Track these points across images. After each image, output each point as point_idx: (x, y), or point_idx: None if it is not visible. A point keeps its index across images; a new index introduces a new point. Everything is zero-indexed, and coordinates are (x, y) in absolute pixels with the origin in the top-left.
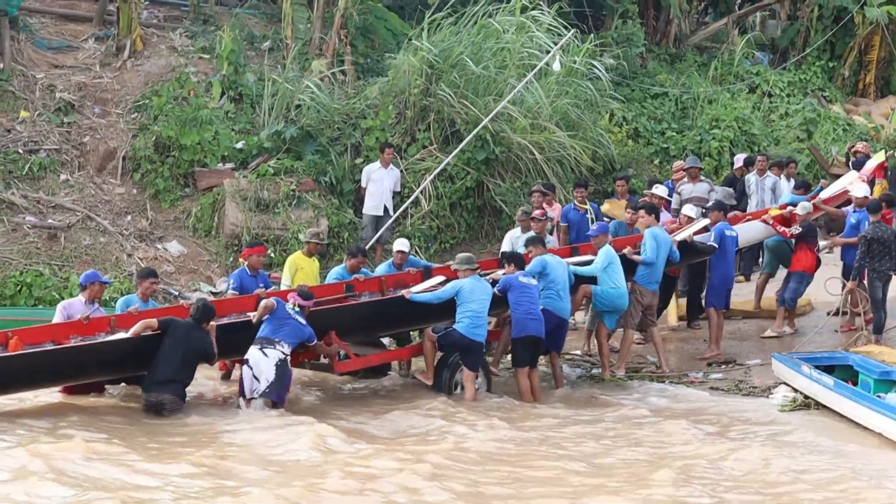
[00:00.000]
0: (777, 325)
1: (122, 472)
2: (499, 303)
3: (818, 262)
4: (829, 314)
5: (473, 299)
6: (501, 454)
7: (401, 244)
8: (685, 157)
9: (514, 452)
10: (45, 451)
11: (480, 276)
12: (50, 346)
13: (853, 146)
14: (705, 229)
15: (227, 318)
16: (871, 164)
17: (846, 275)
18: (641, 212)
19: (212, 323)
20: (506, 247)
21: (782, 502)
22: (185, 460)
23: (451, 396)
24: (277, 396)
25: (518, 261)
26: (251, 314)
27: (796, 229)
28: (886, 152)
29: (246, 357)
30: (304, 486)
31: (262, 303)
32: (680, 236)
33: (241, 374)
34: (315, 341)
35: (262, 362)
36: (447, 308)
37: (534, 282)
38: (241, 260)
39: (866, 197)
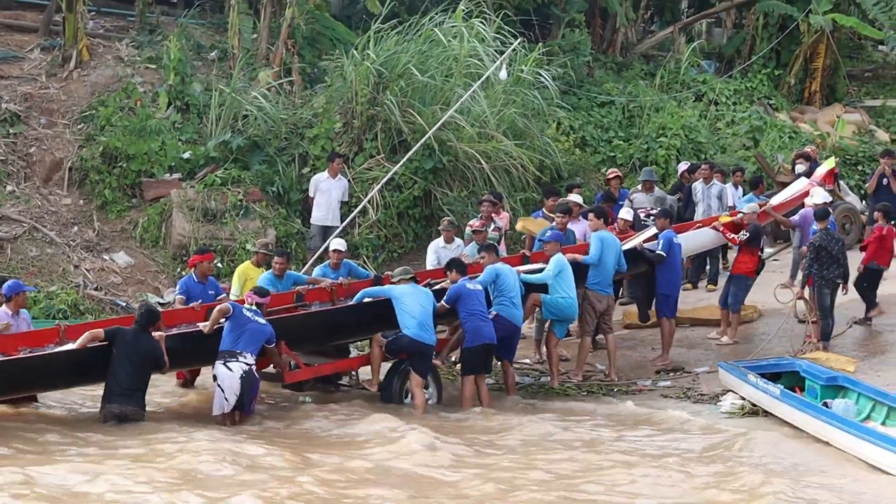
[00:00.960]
0: (722, 328)
1: None
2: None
3: (760, 266)
4: (799, 321)
5: (413, 303)
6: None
7: (337, 244)
8: (610, 179)
9: None
10: None
11: (430, 284)
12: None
13: (800, 153)
14: (655, 237)
15: (176, 328)
16: (821, 171)
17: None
18: (591, 215)
19: (160, 333)
20: (429, 258)
21: None
22: None
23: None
24: (247, 409)
25: (461, 267)
26: (201, 325)
27: (744, 235)
28: (836, 158)
29: (213, 373)
30: None
31: (217, 308)
32: (629, 244)
33: (215, 391)
34: (275, 342)
35: (227, 378)
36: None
37: (479, 287)
38: (189, 268)
39: (825, 202)
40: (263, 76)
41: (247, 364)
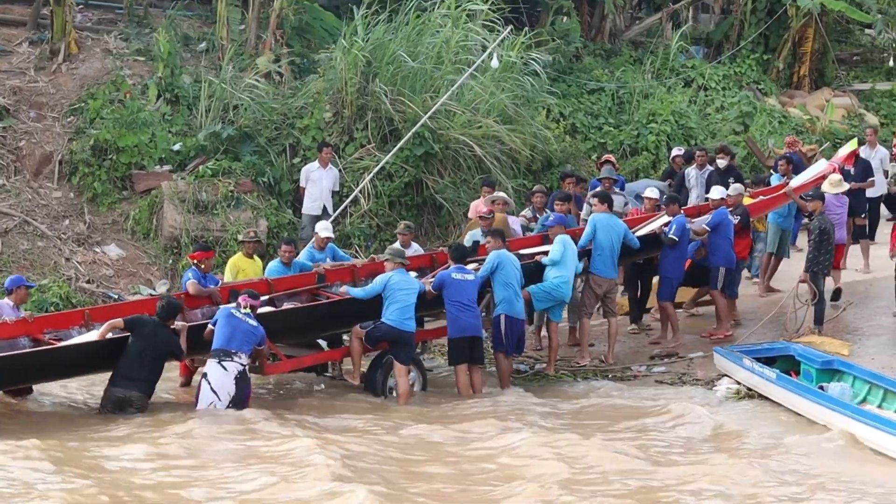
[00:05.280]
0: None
1: None
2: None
3: (752, 249)
4: (805, 302)
5: (401, 290)
6: None
7: (323, 228)
8: (602, 163)
9: None
10: None
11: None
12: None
13: (720, 148)
14: (668, 224)
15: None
16: (842, 152)
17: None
18: (595, 200)
19: (183, 324)
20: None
21: None
22: None
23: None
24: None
25: (455, 253)
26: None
27: (734, 219)
28: (860, 143)
29: (204, 371)
30: None
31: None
32: (642, 231)
33: (199, 386)
34: (265, 344)
35: (221, 376)
36: (379, 307)
37: (470, 277)
38: (191, 260)
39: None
40: (262, 61)
41: (241, 364)
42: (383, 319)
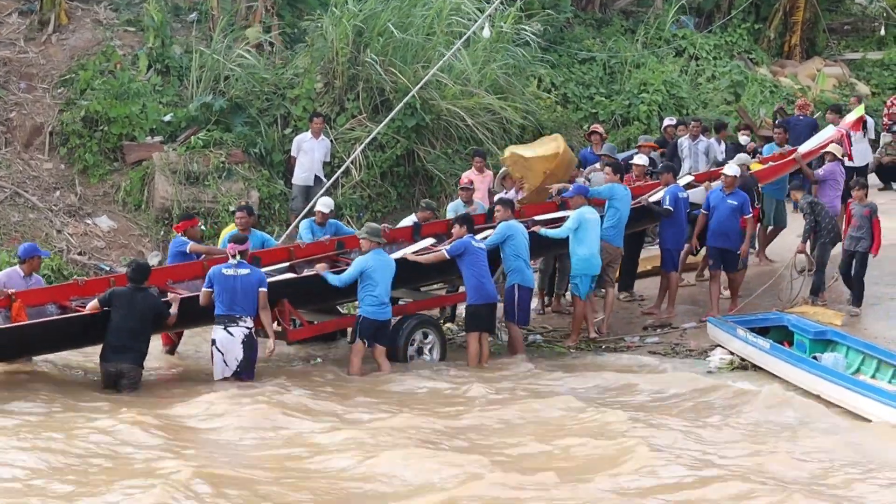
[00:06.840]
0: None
1: None
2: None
3: (760, 218)
4: (801, 272)
5: (377, 277)
6: None
7: (323, 204)
8: (590, 134)
9: None
10: None
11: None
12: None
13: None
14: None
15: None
16: (850, 118)
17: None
18: (607, 169)
19: (175, 295)
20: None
21: None
22: None
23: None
24: (247, 374)
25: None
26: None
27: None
28: (866, 106)
29: (212, 338)
30: None
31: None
32: (650, 199)
33: (212, 355)
34: (266, 286)
35: (228, 342)
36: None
37: (484, 245)
38: (175, 232)
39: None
40: (252, 32)
41: (247, 328)
42: (360, 312)
